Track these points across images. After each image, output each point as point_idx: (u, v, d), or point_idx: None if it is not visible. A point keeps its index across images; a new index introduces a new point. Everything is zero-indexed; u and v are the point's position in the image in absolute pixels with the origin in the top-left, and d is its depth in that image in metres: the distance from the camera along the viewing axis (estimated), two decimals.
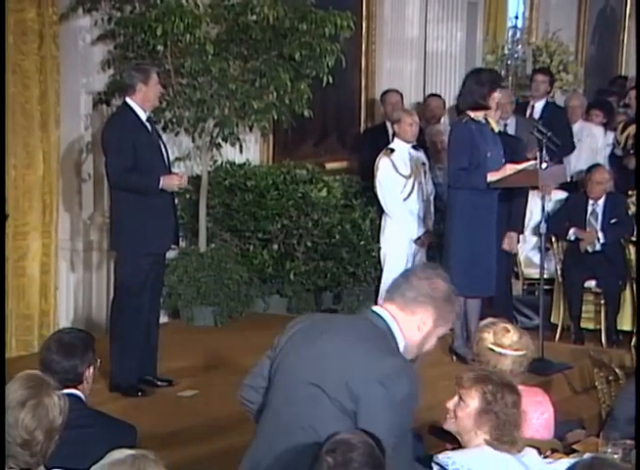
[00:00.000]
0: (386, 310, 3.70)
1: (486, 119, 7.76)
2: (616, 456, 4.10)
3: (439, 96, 10.59)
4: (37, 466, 3.34)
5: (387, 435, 3.36)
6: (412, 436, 4.49)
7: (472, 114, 7.67)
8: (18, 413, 3.31)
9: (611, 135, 10.66)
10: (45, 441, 3.33)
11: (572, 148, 10.19)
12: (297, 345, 3.70)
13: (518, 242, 8.83)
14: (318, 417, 3.50)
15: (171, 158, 8.14)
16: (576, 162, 10.41)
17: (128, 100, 6.93)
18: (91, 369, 4.24)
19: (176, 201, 7.79)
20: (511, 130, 9.49)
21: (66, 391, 3.93)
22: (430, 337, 3.73)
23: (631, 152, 10.11)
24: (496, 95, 7.69)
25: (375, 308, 3.73)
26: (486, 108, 7.64)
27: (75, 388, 4.15)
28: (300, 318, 3.90)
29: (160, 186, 6.85)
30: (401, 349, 3.68)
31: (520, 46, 12.29)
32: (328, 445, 3.02)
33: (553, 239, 9.03)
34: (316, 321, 3.86)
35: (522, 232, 8.70)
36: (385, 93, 10.11)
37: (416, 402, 3.59)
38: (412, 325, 3.69)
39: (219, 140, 8.64)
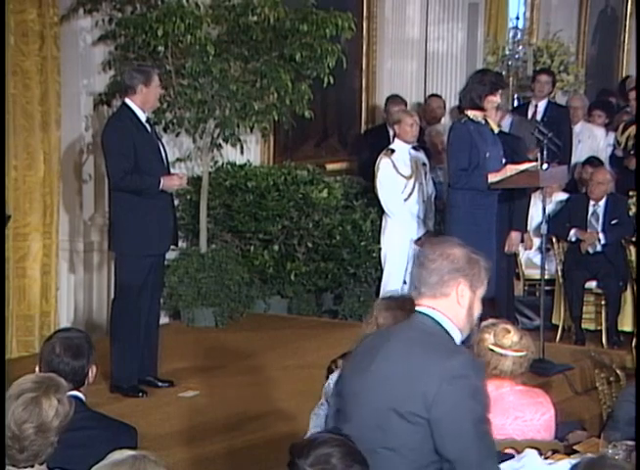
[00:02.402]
0: (427, 307, 3.58)
1: (486, 120, 7.76)
2: (617, 457, 4.10)
3: (440, 96, 10.60)
4: (26, 463, 3.34)
5: (473, 429, 3.38)
6: None
7: (470, 114, 7.67)
8: (10, 404, 3.32)
9: (612, 136, 10.67)
10: (37, 438, 3.32)
11: (570, 150, 10.19)
12: (358, 371, 3.62)
13: (522, 241, 8.84)
14: (392, 437, 3.45)
15: (172, 158, 8.15)
16: (576, 163, 10.42)
17: (127, 101, 6.93)
18: (94, 369, 4.24)
19: (176, 202, 7.80)
20: (505, 130, 9.48)
21: (69, 393, 3.93)
22: (473, 304, 3.61)
23: (632, 153, 10.12)
24: (493, 98, 7.68)
25: (418, 309, 3.61)
26: (480, 109, 7.65)
27: (78, 389, 4.15)
28: (357, 345, 3.81)
29: (161, 187, 6.86)
30: (458, 339, 3.60)
31: (520, 47, 12.28)
32: (309, 460, 3.04)
33: (554, 240, 9.02)
34: (370, 342, 3.74)
35: (525, 231, 8.70)
36: (388, 100, 10.08)
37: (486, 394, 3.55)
38: (453, 305, 3.58)
39: (220, 141, 8.64)
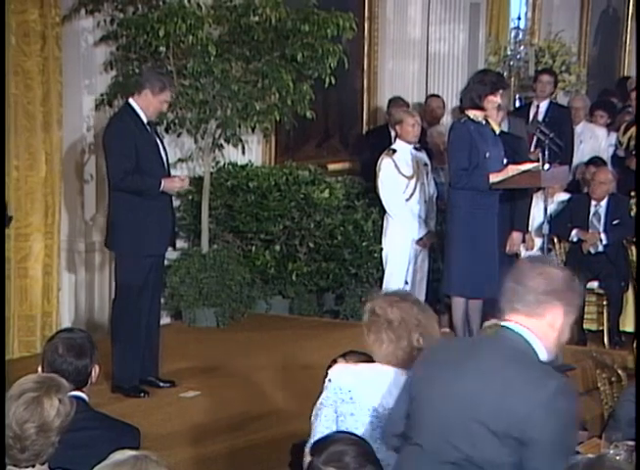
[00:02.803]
0: (517, 323, 3.51)
1: (487, 120, 7.77)
2: (618, 458, 4.09)
3: (439, 96, 10.60)
4: (27, 463, 3.35)
5: (561, 454, 3.35)
6: None
7: (471, 114, 7.68)
8: (12, 404, 3.33)
9: (614, 136, 10.67)
10: (38, 438, 3.33)
11: (572, 150, 10.19)
12: (440, 380, 3.55)
13: (523, 241, 8.85)
14: (476, 452, 3.41)
15: (174, 159, 8.16)
16: (579, 163, 10.42)
17: (131, 101, 6.92)
18: (96, 369, 4.25)
19: (178, 202, 7.80)
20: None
21: (71, 393, 3.93)
22: (564, 329, 3.55)
23: (633, 153, 10.12)
24: (493, 98, 7.68)
25: (507, 324, 3.54)
26: (480, 108, 7.65)
27: (81, 390, 4.15)
28: (432, 349, 3.76)
29: (162, 188, 6.86)
30: (543, 358, 3.54)
31: (522, 47, 12.29)
32: (323, 457, 3.04)
33: (555, 240, 9.02)
34: (453, 350, 3.68)
35: (526, 232, 8.70)
36: (391, 102, 10.08)
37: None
38: (544, 327, 3.51)
39: (221, 141, 8.64)
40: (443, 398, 3.51)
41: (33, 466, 3.37)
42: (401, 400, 3.72)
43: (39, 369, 4.14)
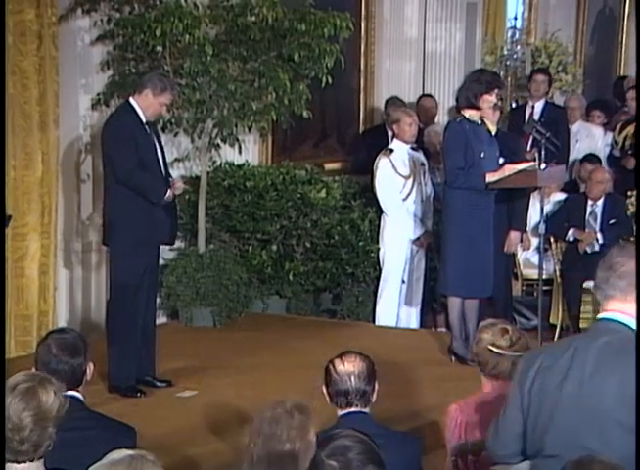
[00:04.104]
0: (614, 311, 3.52)
1: (483, 120, 7.76)
2: None
3: (431, 96, 10.60)
4: (27, 455, 3.35)
5: None
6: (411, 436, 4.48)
7: (467, 113, 7.68)
8: (7, 396, 3.34)
9: (610, 135, 10.68)
10: (36, 427, 3.34)
11: (568, 150, 10.19)
12: (556, 386, 3.50)
13: (521, 241, 8.86)
14: (607, 449, 3.35)
15: (170, 158, 8.15)
16: (574, 161, 10.43)
17: (131, 100, 6.93)
18: (91, 366, 4.25)
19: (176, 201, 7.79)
20: None
21: (67, 393, 3.94)
22: None
23: (629, 152, 10.13)
24: (489, 98, 7.68)
25: (603, 316, 3.54)
26: (476, 108, 7.65)
27: (76, 389, 4.15)
28: (534, 355, 3.67)
29: (167, 197, 6.86)
30: None
31: (519, 47, 12.30)
32: (327, 450, 3.03)
33: (552, 240, 9.03)
34: (556, 355, 3.56)
35: (524, 231, 8.71)
36: (388, 102, 10.08)
37: None
38: None
39: (218, 141, 8.64)
40: (568, 403, 3.47)
41: (32, 460, 3.38)
42: (510, 421, 3.63)
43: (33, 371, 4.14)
